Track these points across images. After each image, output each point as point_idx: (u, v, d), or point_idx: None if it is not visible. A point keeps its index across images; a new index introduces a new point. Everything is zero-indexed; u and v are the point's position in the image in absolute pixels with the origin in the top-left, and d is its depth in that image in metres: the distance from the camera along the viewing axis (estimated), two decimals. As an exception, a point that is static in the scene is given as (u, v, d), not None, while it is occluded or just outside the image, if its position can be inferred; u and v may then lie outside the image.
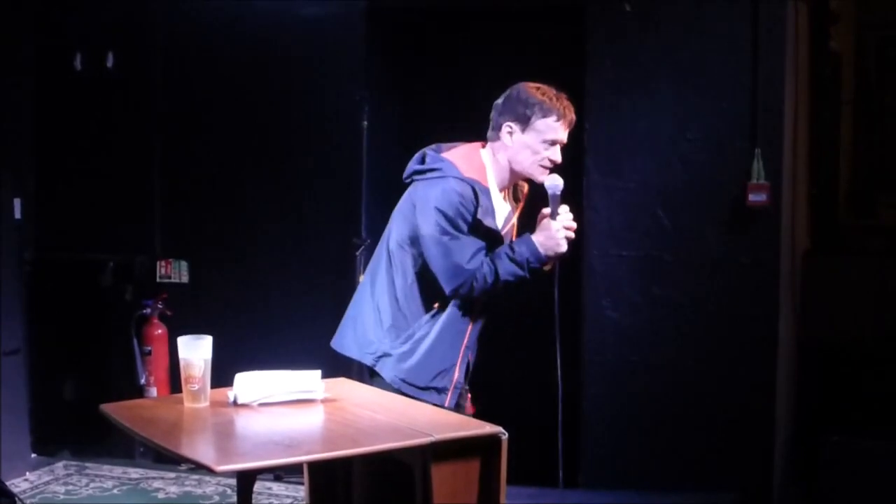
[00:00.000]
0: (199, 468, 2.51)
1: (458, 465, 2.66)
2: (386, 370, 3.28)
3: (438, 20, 5.21)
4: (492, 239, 3.29)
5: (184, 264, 5.41)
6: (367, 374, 3.39)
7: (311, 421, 2.85)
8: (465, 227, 3.20)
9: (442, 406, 3.30)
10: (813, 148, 4.94)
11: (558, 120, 3.26)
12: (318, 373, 2.98)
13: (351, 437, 2.64)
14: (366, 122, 5.04)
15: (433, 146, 3.37)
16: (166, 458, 5.03)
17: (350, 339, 3.38)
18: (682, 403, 4.58)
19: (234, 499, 3.88)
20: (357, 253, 4.93)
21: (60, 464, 5.39)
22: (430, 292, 3.27)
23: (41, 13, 5.50)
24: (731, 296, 4.52)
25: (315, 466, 3.07)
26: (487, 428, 2.71)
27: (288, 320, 5.15)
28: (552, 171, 3.29)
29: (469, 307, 3.31)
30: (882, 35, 4.99)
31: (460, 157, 3.30)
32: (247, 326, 5.18)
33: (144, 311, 5.34)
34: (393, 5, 5.07)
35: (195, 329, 2.98)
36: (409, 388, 3.27)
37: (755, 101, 4.45)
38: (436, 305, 3.29)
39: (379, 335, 3.30)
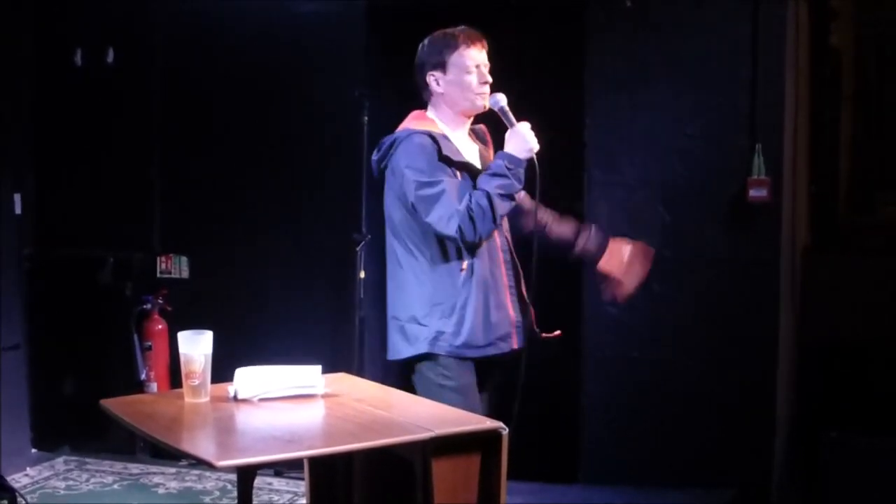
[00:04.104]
0: (200, 463, 2.51)
1: (459, 460, 2.66)
2: (443, 347, 3.33)
3: (438, 17, 5.19)
4: (472, 173, 3.39)
5: (184, 260, 5.41)
6: (405, 370, 3.42)
7: (311, 416, 2.85)
8: (439, 172, 3.30)
9: (511, 351, 3.41)
10: (813, 144, 4.93)
11: (467, 47, 3.42)
12: (319, 368, 2.99)
13: (351, 432, 2.65)
14: (366, 118, 5.03)
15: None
16: (167, 454, 5.02)
17: (400, 342, 3.42)
18: (681, 400, 4.58)
19: (235, 494, 3.88)
20: (357, 248, 4.93)
21: (61, 459, 5.39)
22: (452, 256, 3.34)
23: (41, 7, 5.50)
24: (732, 292, 4.52)
25: (315, 461, 3.07)
26: (487, 423, 2.72)
27: (288, 315, 5.15)
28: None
29: (492, 249, 3.39)
30: (882, 31, 4.98)
31: (408, 121, 3.46)
32: (247, 322, 5.18)
33: (145, 306, 5.34)
34: (393, 3, 5.07)
35: (195, 324, 2.98)
36: (472, 350, 3.35)
37: (755, 97, 4.45)
38: (464, 266, 3.34)
39: (424, 322, 3.34)
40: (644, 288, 4.59)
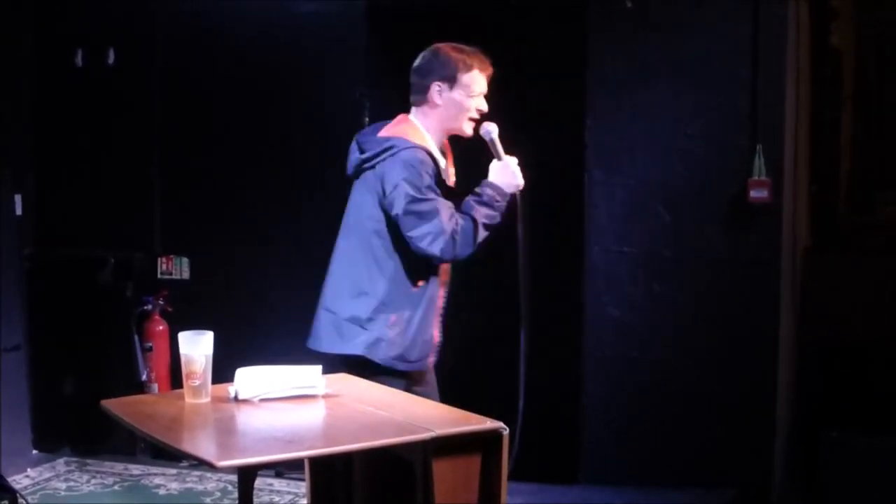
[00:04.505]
0: (201, 464, 2.51)
1: (459, 460, 2.66)
2: (380, 354, 3.40)
3: (438, 17, 5.21)
4: (451, 197, 3.46)
5: (185, 261, 5.41)
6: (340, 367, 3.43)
7: (311, 416, 2.86)
8: (432, 192, 3.35)
9: (427, 368, 3.53)
10: (813, 144, 4.93)
11: (480, 72, 3.48)
12: (319, 368, 2.99)
13: (352, 433, 2.65)
14: (367, 119, 5.03)
15: (361, 133, 3.59)
16: (167, 455, 5.03)
17: (332, 335, 3.47)
18: (682, 400, 4.58)
19: (236, 495, 3.88)
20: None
21: (61, 460, 5.39)
22: (416, 272, 3.43)
23: (41, 8, 5.50)
24: (732, 292, 4.52)
25: (316, 462, 3.07)
26: (488, 423, 2.71)
27: (289, 316, 5.13)
28: (479, 120, 3.51)
29: (440, 272, 3.50)
30: (882, 31, 4.98)
31: (403, 130, 3.47)
32: (248, 322, 5.18)
33: (145, 307, 5.34)
34: (393, 2, 5.07)
35: (196, 325, 2.98)
36: (404, 363, 3.44)
37: (756, 98, 4.45)
38: (420, 283, 3.44)
39: (367, 325, 3.41)
40: (645, 288, 4.63)
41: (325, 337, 3.48)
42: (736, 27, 4.47)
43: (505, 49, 5.03)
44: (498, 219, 3.44)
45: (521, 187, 3.48)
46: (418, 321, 3.45)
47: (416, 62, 3.54)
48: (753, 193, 4.41)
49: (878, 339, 4.69)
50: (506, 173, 3.46)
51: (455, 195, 3.52)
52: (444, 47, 3.50)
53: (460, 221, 3.36)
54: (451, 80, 3.45)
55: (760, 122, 4.44)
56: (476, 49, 3.52)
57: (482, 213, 3.40)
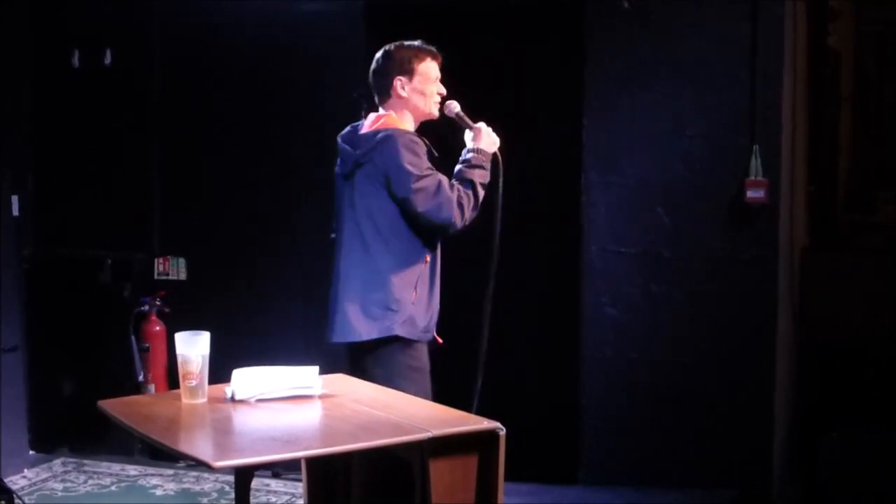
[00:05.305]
0: (198, 464, 2.50)
1: (456, 460, 2.65)
2: (410, 330, 3.54)
3: (436, 17, 5.21)
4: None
5: (182, 261, 5.40)
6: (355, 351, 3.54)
7: (308, 417, 2.85)
8: (429, 169, 3.52)
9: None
10: (812, 145, 4.93)
11: (433, 60, 3.70)
12: (316, 369, 2.98)
13: (349, 433, 2.64)
14: (364, 119, 5.03)
15: (344, 136, 3.73)
16: (164, 455, 5.02)
17: (362, 324, 3.54)
18: (681, 400, 4.58)
19: (233, 495, 3.87)
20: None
21: (58, 461, 5.39)
22: (418, 248, 3.57)
23: (39, 9, 5.49)
24: (730, 292, 4.52)
25: (313, 463, 3.07)
26: (485, 423, 2.71)
27: (286, 317, 5.14)
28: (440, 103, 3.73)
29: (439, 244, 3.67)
30: (881, 32, 4.99)
31: (388, 122, 3.63)
32: (245, 323, 5.17)
33: (143, 308, 5.33)
34: (392, 2, 5.06)
35: (193, 326, 2.97)
36: (426, 334, 3.60)
37: (754, 98, 4.45)
38: (427, 259, 3.59)
39: (394, 307, 3.51)
40: (643, 288, 4.62)
41: (356, 327, 3.55)
42: (734, 27, 4.47)
43: (504, 49, 5.06)
44: (488, 177, 3.62)
45: (498, 144, 3.67)
46: (432, 294, 3.61)
47: (373, 66, 3.72)
48: (750, 194, 4.42)
49: (876, 339, 4.69)
50: (484, 136, 3.66)
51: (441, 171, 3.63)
52: (394, 46, 3.70)
53: (460, 188, 3.54)
54: (410, 73, 3.64)
55: (758, 122, 4.45)
56: (421, 41, 3.71)
57: (478, 175, 3.59)
